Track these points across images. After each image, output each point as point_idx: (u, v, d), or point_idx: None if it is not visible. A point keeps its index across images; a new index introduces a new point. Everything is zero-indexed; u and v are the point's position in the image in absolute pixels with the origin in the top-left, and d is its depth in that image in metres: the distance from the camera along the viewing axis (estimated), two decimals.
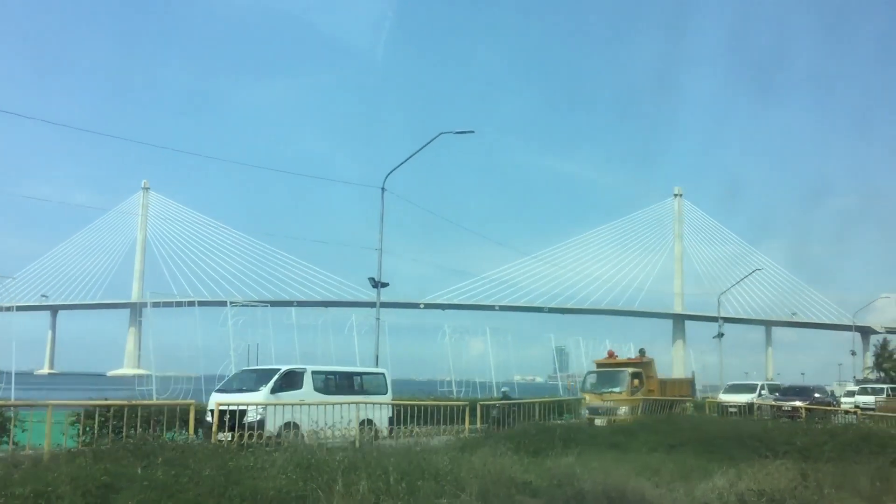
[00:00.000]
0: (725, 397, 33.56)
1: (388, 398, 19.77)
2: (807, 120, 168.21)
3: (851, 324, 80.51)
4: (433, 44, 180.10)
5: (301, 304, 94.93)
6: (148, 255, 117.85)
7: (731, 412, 27.50)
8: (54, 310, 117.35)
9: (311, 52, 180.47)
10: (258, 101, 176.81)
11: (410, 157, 25.80)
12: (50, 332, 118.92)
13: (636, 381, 26.66)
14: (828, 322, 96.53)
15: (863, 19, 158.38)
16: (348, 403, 16.83)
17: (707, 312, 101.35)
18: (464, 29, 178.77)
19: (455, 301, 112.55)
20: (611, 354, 30.61)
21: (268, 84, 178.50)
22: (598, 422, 24.35)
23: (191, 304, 72.60)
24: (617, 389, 26.50)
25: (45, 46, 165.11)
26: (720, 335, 46.07)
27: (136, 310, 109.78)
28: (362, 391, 19.58)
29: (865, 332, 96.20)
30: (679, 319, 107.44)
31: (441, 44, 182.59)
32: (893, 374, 57.65)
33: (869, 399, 40.88)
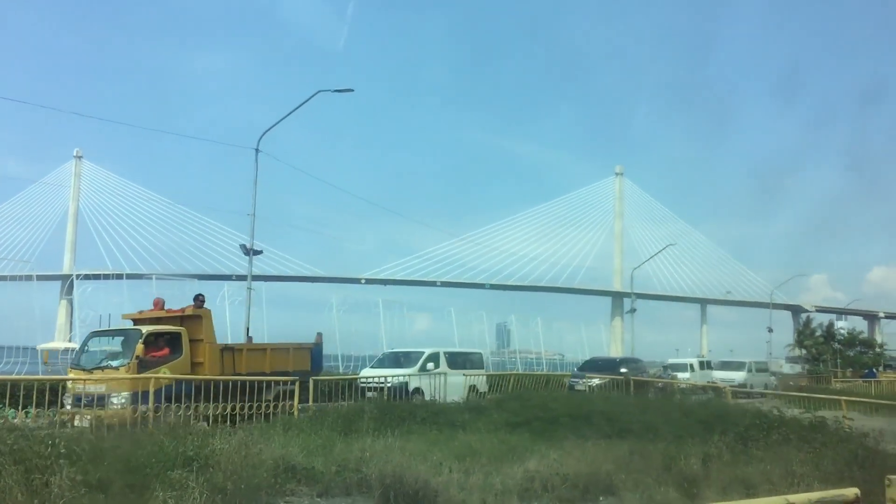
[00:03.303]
0: (369, 374, 23.23)
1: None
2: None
3: (782, 302, 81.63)
4: (380, 19, 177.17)
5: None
6: (81, 226, 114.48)
7: (370, 397, 19.01)
8: None
9: (257, 24, 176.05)
10: (201, 72, 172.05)
11: (285, 116, 24.65)
12: None
13: (143, 350, 15.99)
14: (760, 301, 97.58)
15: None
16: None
17: (646, 290, 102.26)
18: (413, 5, 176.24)
19: (396, 277, 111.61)
20: (157, 304, 18.92)
21: (212, 55, 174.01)
22: (79, 421, 14.30)
23: (118, 276, 70.50)
24: (116, 364, 16.09)
25: None
26: (632, 311, 45.86)
27: (66, 282, 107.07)
28: None
29: (796, 310, 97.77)
30: (617, 297, 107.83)
31: (390, 21, 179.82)
32: (814, 351, 58.21)
33: (731, 375, 35.89)
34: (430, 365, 23.86)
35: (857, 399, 20.55)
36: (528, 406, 15.39)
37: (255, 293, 26.58)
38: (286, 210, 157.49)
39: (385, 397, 18.87)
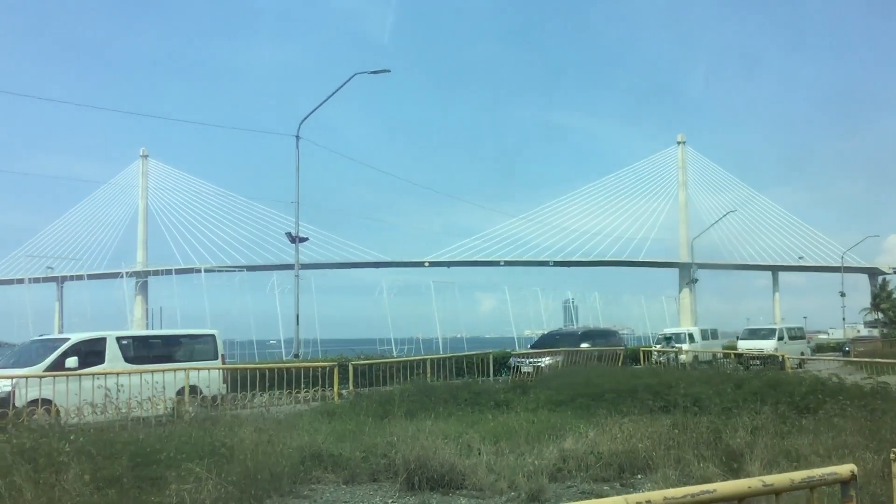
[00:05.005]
0: None
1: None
2: None
3: (858, 265, 78.48)
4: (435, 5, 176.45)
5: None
6: (150, 223, 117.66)
7: None
8: (60, 280, 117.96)
9: (311, 15, 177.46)
10: (264, 66, 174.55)
11: (325, 101, 24.67)
12: (57, 303, 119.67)
13: None
14: (834, 265, 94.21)
15: None
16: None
17: (715, 260, 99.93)
18: None
19: (459, 258, 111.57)
20: None
21: (270, 48, 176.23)
22: None
23: (167, 272, 71.86)
24: None
25: (37, 19, 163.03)
26: (694, 280, 44.56)
27: (140, 277, 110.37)
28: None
29: (873, 273, 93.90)
30: (684, 268, 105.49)
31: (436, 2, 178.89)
32: (892, 314, 56.03)
33: (759, 344, 33.11)
34: (72, 361, 14.95)
35: None
36: (572, 383, 15.03)
37: (304, 281, 26.71)
38: (350, 200, 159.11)
39: None
